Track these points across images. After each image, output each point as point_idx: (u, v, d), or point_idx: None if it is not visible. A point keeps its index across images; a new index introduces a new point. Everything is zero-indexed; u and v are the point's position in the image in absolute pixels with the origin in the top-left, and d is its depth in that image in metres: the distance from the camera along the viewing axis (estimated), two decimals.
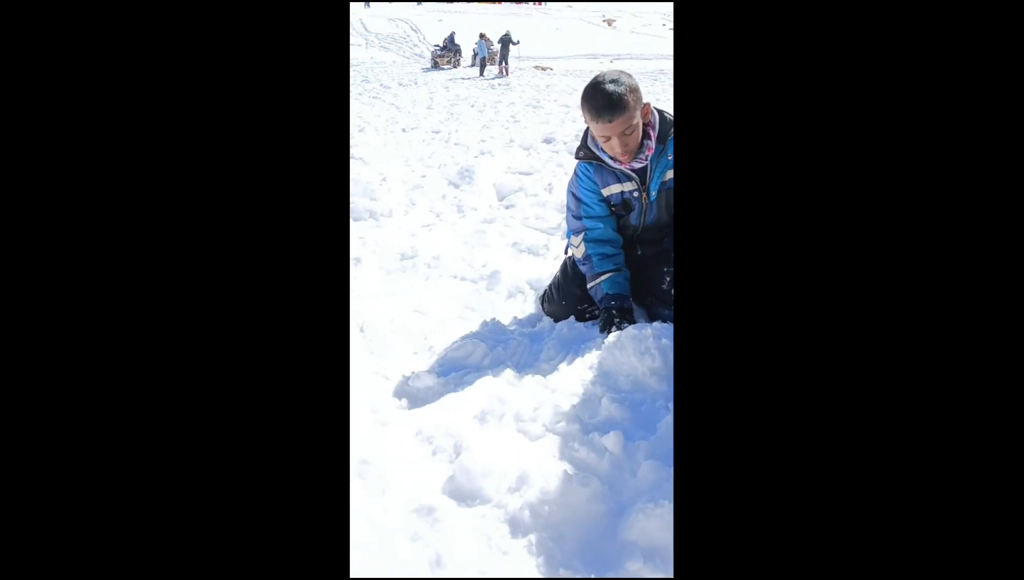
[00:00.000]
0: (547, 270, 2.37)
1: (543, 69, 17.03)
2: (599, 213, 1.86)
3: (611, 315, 1.77)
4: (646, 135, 1.73)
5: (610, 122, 1.60)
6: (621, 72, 1.67)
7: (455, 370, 1.57)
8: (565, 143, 5.16)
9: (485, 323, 1.84)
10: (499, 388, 1.44)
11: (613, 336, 1.60)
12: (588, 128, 1.81)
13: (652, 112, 1.75)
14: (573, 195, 1.90)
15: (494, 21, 25.22)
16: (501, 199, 3.51)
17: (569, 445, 1.26)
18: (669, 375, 1.52)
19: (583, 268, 1.89)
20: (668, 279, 1.79)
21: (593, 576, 0.97)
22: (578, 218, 1.89)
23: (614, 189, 1.83)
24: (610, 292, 1.81)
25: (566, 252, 2.01)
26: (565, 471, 1.10)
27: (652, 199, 1.82)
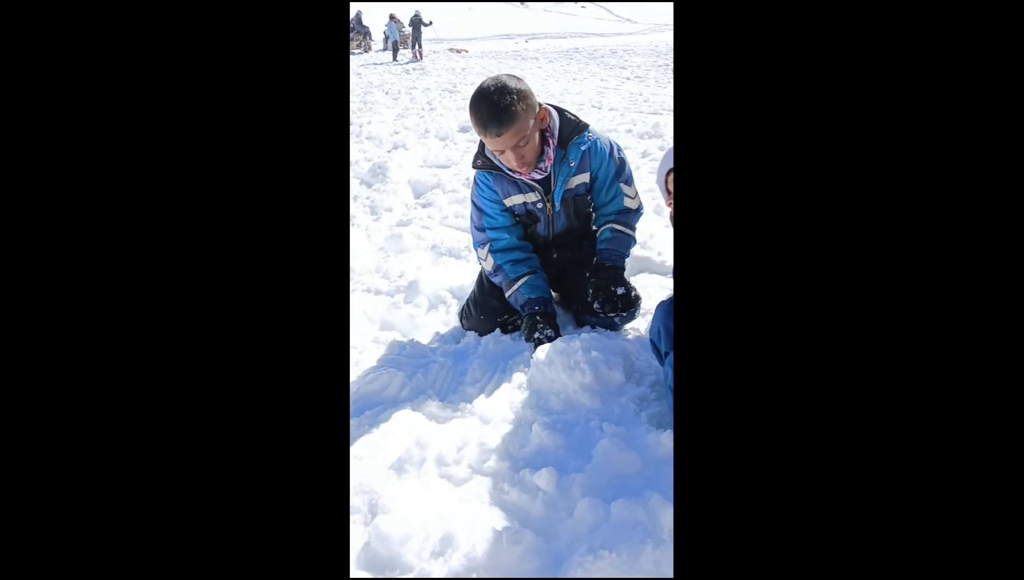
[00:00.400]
0: (470, 275, 2.24)
1: (458, 51, 16.67)
2: (502, 223, 1.74)
3: (535, 321, 1.66)
4: (545, 142, 1.60)
5: (499, 136, 1.47)
6: (509, 76, 1.51)
7: (369, 407, 1.42)
8: None
9: (403, 346, 1.70)
10: (419, 427, 1.31)
11: (541, 352, 1.49)
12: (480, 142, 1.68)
13: (550, 115, 1.62)
14: (475, 205, 1.78)
15: (405, 3, 24.50)
16: (417, 197, 3.33)
17: (498, 487, 1.14)
18: (601, 390, 1.43)
19: (496, 279, 1.76)
20: (591, 291, 1.70)
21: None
22: (481, 230, 1.77)
23: (516, 200, 1.71)
24: (531, 296, 1.70)
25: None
26: (494, 529, 0.98)
27: (557, 209, 1.72)
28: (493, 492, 1.13)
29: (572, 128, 1.65)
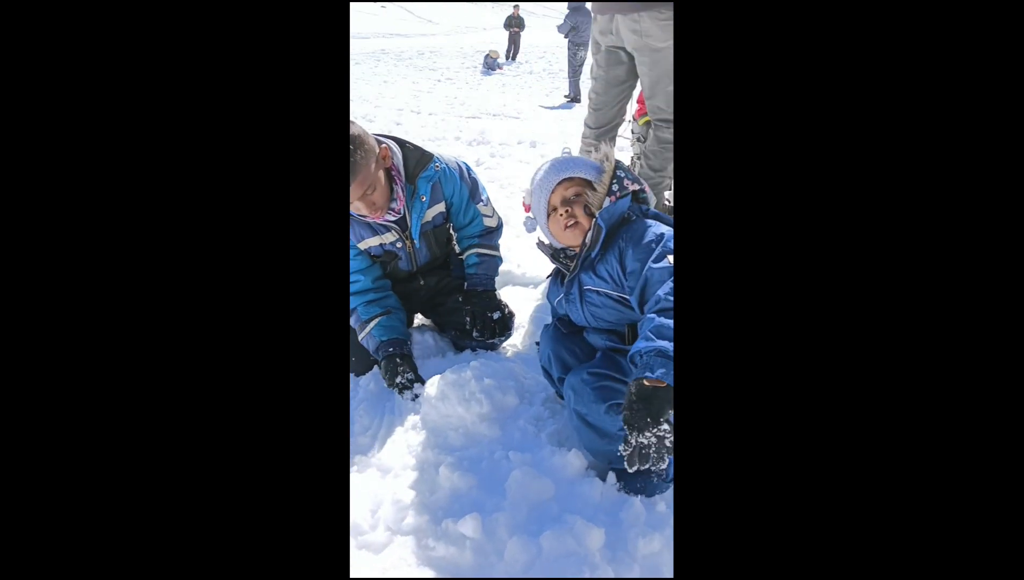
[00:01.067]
0: None
1: None
2: (356, 267, 1.67)
3: (395, 364, 1.59)
4: (392, 180, 1.56)
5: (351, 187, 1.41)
6: None
7: None
8: None
9: None
10: None
11: (432, 387, 1.46)
12: None
13: (392, 153, 1.56)
14: None
15: None
16: None
17: (423, 544, 1.10)
18: (500, 418, 1.44)
19: (351, 321, 1.68)
20: (468, 319, 1.71)
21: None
22: None
23: (371, 242, 1.66)
24: (383, 338, 1.63)
25: None
26: None
27: (418, 246, 1.70)
28: (418, 552, 1.09)
29: (416, 161, 1.61)
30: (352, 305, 1.66)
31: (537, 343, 1.55)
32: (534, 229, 1.41)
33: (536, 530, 1.10)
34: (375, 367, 1.71)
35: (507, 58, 13.62)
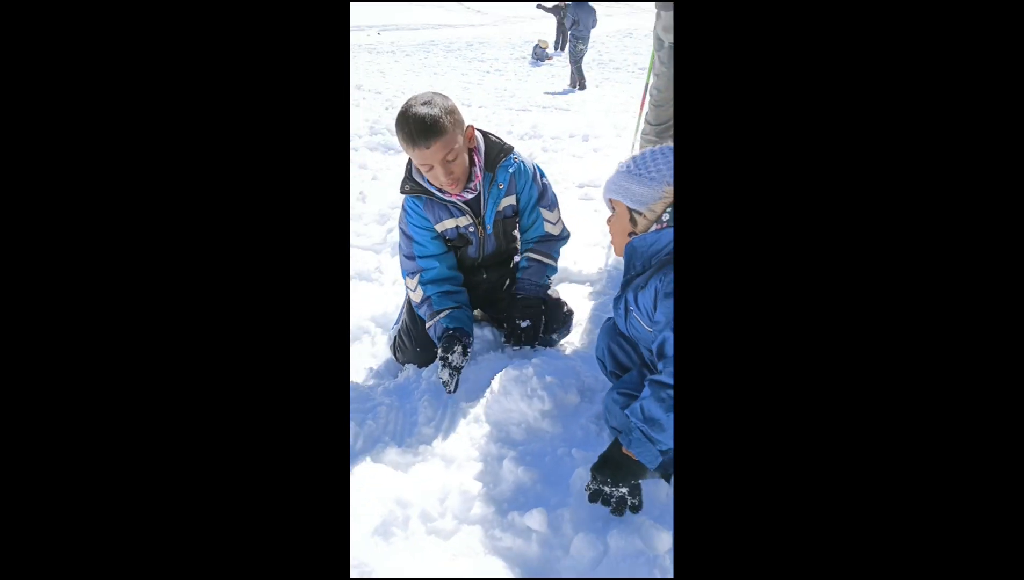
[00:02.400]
0: (388, 300, 2.17)
1: None
2: (434, 251, 1.70)
3: (453, 343, 1.59)
4: (472, 162, 1.59)
5: (427, 148, 1.44)
6: (434, 94, 1.49)
7: None
8: (360, 138, 4.80)
9: None
10: (390, 481, 1.25)
11: (496, 382, 1.49)
12: (410, 163, 1.63)
13: (476, 136, 1.62)
14: (404, 233, 1.72)
15: None
16: None
17: (490, 534, 1.13)
18: (561, 415, 1.46)
19: (420, 310, 1.71)
20: (524, 324, 1.73)
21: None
22: (411, 258, 1.71)
23: (448, 224, 1.68)
24: (450, 326, 1.65)
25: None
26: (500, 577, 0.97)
27: (489, 232, 1.72)
28: (485, 541, 1.12)
29: (498, 150, 1.65)
30: (426, 293, 1.68)
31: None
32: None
33: (602, 528, 1.11)
34: (435, 361, 1.74)
35: (556, 48, 13.51)
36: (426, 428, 1.48)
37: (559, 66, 11.61)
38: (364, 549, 1.07)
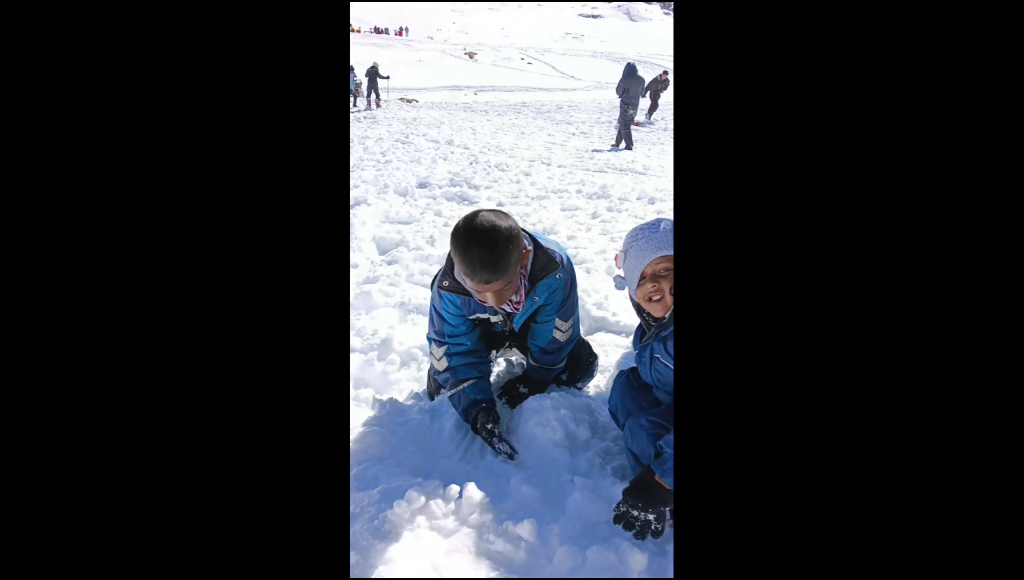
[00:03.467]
0: None
1: (408, 101, 17.07)
2: (463, 330, 1.71)
3: (488, 416, 1.62)
4: (519, 279, 1.54)
5: (487, 283, 1.39)
6: (497, 214, 1.40)
7: (355, 466, 1.51)
8: (440, 188, 5.20)
9: (382, 404, 1.80)
10: (404, 483, 1.41)
11: (517, 411, 1.65)
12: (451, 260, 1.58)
13: (528, 254, 1.57)
14: (436, 311, 1.71)
15: (357, 51, 24.88)
16: (382, 254, 3.46)
17: (484, 538, 1.26)
18: (571, 445, 1.58)
19: (441, 377, 1.74)
20: (523, 389, 1.82)
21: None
22: (440, 335, 1.72)
23: (480, 317, 1.71)
24: (478, 397, 1.67)
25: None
26: (485, 576, 1.10)
27: (517, 330, 1.78)
28: (479, 543, 1.25)
29: (544, 264, 1.61)
30: (451, 363, 1.71)
31: None
32: (623, 288, 1.42)
33: (585, 544, 1.22)
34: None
35: (647, 116, 13.88)
36: (448, 444, 1.64)
37: (645, 131, 11.89)
38: (370, 537, 1.24)
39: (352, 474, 1.47)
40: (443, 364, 1.72)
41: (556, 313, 1.71)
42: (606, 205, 4.69)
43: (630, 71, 9.90)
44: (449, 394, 1.71)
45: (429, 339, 1.76)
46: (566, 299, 1.71)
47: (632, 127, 12.28)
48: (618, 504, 1.25)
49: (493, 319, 1.70)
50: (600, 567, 1.15)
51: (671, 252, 1.29)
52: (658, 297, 1.32)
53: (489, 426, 1.60)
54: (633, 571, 1.15)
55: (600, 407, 1.75)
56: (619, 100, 9.99)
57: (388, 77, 16.18)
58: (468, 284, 1.45)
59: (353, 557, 1.18)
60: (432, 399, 1.93)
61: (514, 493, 1.40)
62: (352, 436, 1.62)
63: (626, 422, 1.48)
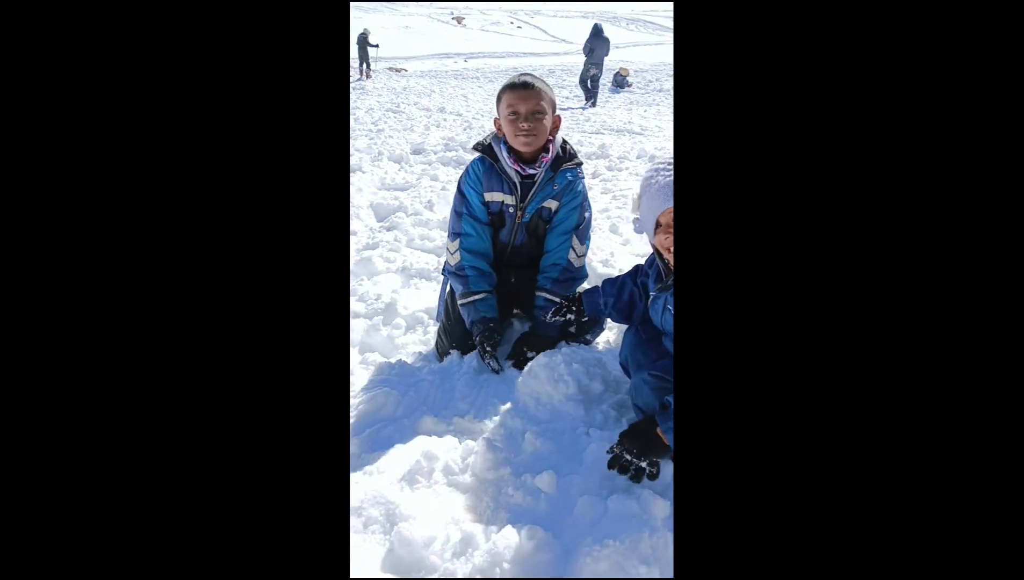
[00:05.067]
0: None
1: (397, 71, 16.73)
2: (478, 215, 1.85)
3: (491, 335, 1.78)
4: (546, 148, 1.77)
5: (525, 91, 1.68)
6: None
7: (370, 426, 1.50)
8: (436, 153, 5.11)
9: (391, 367, 1.78)
10: (421, 441, 1.40)
11: (526, 367, 1.63)
12: (493, 131, 1.83)
13: (559, 135, 1.81)
14: (459, 190, 1.89)
15: None
16: (381, 220, 3.40)
17: (503, 491, 1.25)
18: (585, 399, 1.57)
19: (456, 281, 1.88)
20: (530, 354, 1.80)
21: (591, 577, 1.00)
22: (459, 215, 1.87)
23: (496, 197, 1.83)
24: (488, 315, 1.82)
25: (443, 272, 1.98)
26: (508, 527, 1.09)
27: (525, 220, 1.84)
28: (499, 497, 1.24)
29: (569, 157, 1.81)
30: (463, 262, 1.84)
31: None
32: (642, 232, 1.42)
33: (606, 494, 1.21)
34: (475, 351, 1.88)
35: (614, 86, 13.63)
36: (461, 403, 1.62)
37: (640, 93, 11.70)
38: (390, 492, 1.22)
39: (365, 434, 1.46)
40: (456, 259, 1.86)
41: (574, 231, 1.84)
42: (606, 164, 4.62)
43: (596, 32, 10.23)
44: (461, 303, 1.85)
45: (449, 236, 1.91)
46: (582, 213, 1.86)
47: (619, 89, 12.15)
48: (613, 446, 1.25)
49: (507, 202, 1.82)
50: (622, 516, 1.14)
51: (671, 203, 1.26)
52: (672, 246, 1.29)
53: (488, 347, 1.77)
54: (655, 518, 1.14)
55: (612, 361, 1.73)
56: (584, 60, 10.42)
57: (378, 46, 15.80)
58: (507, 103, 1.70)
59: (376, 512, 1.17)
60: (441, 361, 1.91)
61: (529, 447, 1.38)
62: (363, 398, 1.60)
63: (632, 376, 1.47)
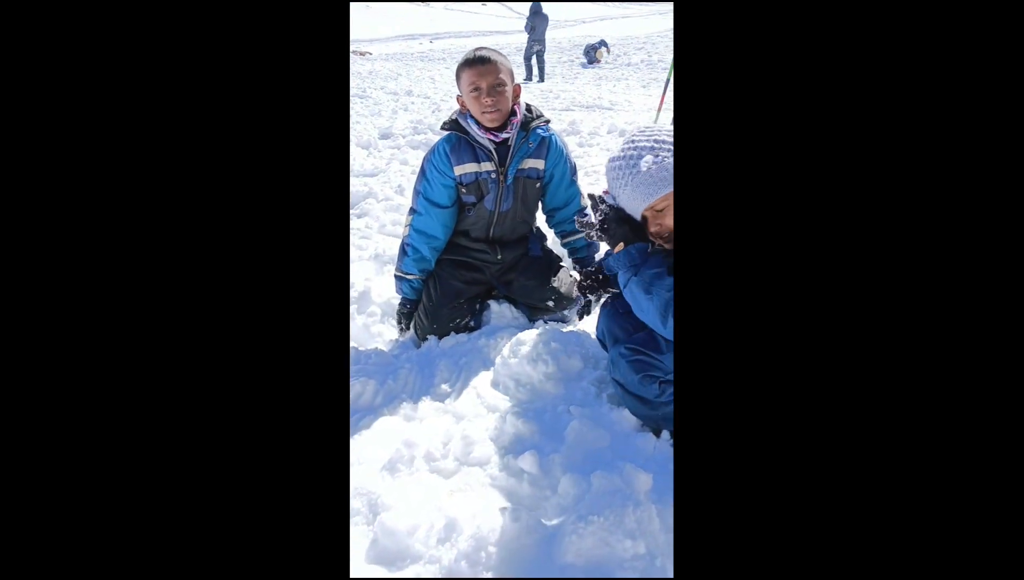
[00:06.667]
0: None
1: (362, 54, 16.37)
2: (435, 198, 1.86)
3: (410, 316, 1.97)
4: (513, 113, 1.78)
5: (483, 67, 1.69)
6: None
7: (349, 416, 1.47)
8: (404, 137, 5.02)
9: (368, 355, 1.75)
10: (401, 428, 1.38)
11: (506, 348, 1.61)
12: (456, 109, 1.84)
13: (520, 101, 1.82)
14: (422, 169, 1.90)
15: None
16: (351, 208, 3.33)
17: (486, 474, 1.24)
18: (564, 377, 1.56)
19: (399, 253, 1.96)
20: (553, 295, 1.87)
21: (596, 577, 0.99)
22: (416, 194, 1.90)
23: (469, 168, 1.82)
24: (410, 297, 1.97)
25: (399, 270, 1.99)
26: (492, 511, 1.08)
27: (509, 183, 1.84)
28: (482, 479, 1.23)
29: (535, 117, 1.84)
30: (410, 240, 1.91)
31: None
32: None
33: (589, 471, 1.20)
34: (452, 333, 1.88)
35: (607, 50, 13.56)
36: (441, 387, 1.60)
37: (608, 68, 11.64)
38: (372, 482, 1.21)
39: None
40: (405, 232, 1.94)
41: (574, 176, 1.95)
42: (577, 141, 4.59)
43: (535, 10, 10.79)
44: (395, 274, 1.98)
45: (409, 211, 1.96)
46: (570, 160, 1.95)
47: (595, 63, 12.13)
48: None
49: (485, 170, 1.82)
50: (606, 492, 1.14)
51: (663, 191, 1.19)
52: (667, 234, 1.23)
53: (403, 324, 2.00)
54: (639, 492, 1.14)
55: (589, 338, 1.72)
56: (527, 37, 10.98)
57: None
58: (467, 81, 1.71)
59: (358, 503, 1.15)
60: (419, 347, 1.89)
61: (510, 428, 1.37)
62: None
63: (609, 352, 1.47)
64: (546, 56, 13.05)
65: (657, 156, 1.19)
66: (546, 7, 11.20)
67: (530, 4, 11.13)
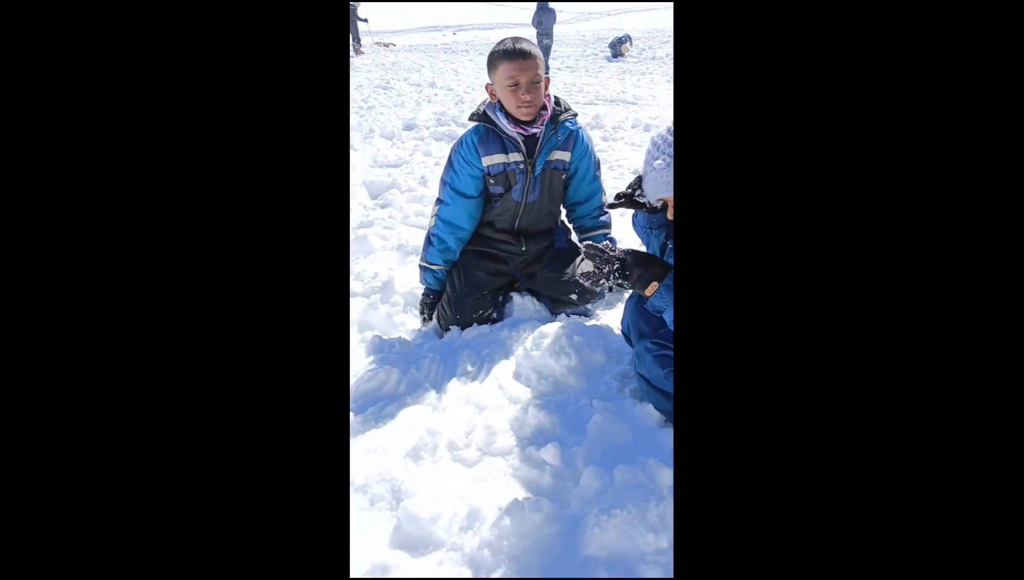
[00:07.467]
0: None
1: (385, 45, 16.42)
2: (462, 188, 1.87)
3: (432, 307, 1.98)
4: (543, 108, 1.78)
5: (524, 61, 1.67)
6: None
7: (372, 404, 1.49)
8: (428, 128, 5.03)
9: (391, 344, 1.76)
10: (424, 417, 1.39)
11: (529, 340, 1.61)
12: (485, 100, 1.83)
13: (550, 93, 1.83)
14: (450, 160, 1.90)
15: None
16: (374, 198, 3.35)
17: (509, 464, 1.25)
18: (586, 371, 1.56)
19: (425, 242, 1.96)
20: (574, 291, 1.88)
21: (604, 577, 0.99)
22: (444, 184, 1.91)
23: (496, 159, 1.83)
24: (436, 289, 1.97)
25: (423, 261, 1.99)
26: (515, 500, 1.08)
27: (536, 174, 1.84)
28: (504, 470, 1.24)
29: (564, 110, 1.85)
30: (436, 230, 1.92)
31: None
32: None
33: (611, 464, 1.20)
34: (475, 324, 1.89)
35: (631, 44, 13.42)
36: (463, 378, 1.61)
37: (633, 62, 11.54)
38: (394, 468, 1.22)
39: (368, 412, 1.45)
40: (431, 222, 1.94)
41: (597, 171, 1.96)
42: (601, 135, 4.56)
43: (542, 6, 10.82)
44: (420, 264, 1.99)
45: (435, 201, 1.96)
46: (595, 155, 1.96)
47: (619, 57, 12.01)
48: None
49: (513, 161, 1.82)
50: (628, 485, 1.14)
51: None
52: None
53: (425, 314, 1.99)
54: (662, 487, 1.13)
55: (612, 332, 1.72)
56: (535, 32, 10.98)
57: (367, 20, 15.48)
58: (505, 74, 1.69)
59: (381, 489, 1.17)
60: (441, 337, 1.90)
61: (533, 420, 1.38)
62: (364, 377, 1.58)
63: (634, 346, 1.46)
64: (569, 50, 12.98)
65: None
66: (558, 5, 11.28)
67: (536, 2, 11.26)
